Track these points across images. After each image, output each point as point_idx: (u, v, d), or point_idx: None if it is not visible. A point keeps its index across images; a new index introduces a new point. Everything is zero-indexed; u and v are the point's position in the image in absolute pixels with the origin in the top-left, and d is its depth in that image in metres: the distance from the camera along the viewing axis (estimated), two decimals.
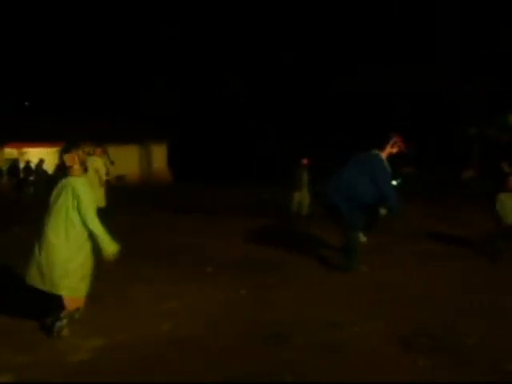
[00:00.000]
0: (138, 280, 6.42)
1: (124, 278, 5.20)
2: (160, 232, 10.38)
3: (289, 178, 12.81)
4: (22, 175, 22.94)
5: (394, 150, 6.73)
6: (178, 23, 34.61)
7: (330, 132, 31.11)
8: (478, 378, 3.84)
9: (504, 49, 28.95)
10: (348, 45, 32.60)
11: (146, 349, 4.41)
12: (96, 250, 4.67)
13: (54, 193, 4.63)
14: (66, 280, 4.50)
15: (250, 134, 32.91)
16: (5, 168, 24.92)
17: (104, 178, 10.01)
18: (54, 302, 4.71)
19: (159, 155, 32.19)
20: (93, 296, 4.91)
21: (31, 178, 21.81)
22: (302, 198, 12.52)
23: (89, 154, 11.35)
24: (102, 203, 9.39)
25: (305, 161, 12.73)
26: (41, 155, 23.26)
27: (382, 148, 6.72)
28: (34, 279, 4.61)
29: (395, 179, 6.73)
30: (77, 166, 4.63)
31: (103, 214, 4.97)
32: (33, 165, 22.28)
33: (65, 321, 4.60)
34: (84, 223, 4.48)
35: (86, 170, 4.72)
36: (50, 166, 21.11)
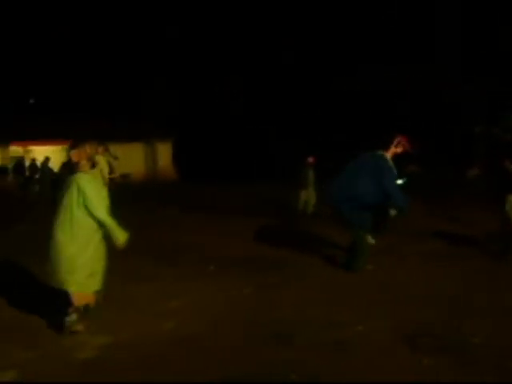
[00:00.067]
0: (142, 278, 6.41)
1: (128, 276, 5.21)
2: (164, 230, 10.38)
3: (292, 177, 12.78)
4: (27, 173, 22.95)
5: (399, 150, 6.72)
6: (177, 23, 34.59)
7: (330, 132, 31.09)
8: (484, 378, 3.83)
9: (504, 49, 28.97)
10: (348, 45, 32.60)
11: (150, 347, 4.40)
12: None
13: (63, 190, 4.64)
14: (74, 276, 4.52)
15: (250, 133, 32.89)
16: (10, 166, 25.03)
17: (107, 176, 10.00)
18: (61, 299, 4.72)
19: (164, 153, 32.19)
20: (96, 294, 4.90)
21: (36, 176, 21.77)
22: (308, 196, 12.45)
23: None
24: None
25: (310, 159, 12.67)
26: (46, 153, 23.08)
27: (387, 148, 6.71)
28: (49, 276, 4.67)
29: (400, 178, 6.70)
30: (84, 162, 4.63)
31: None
32: (38, 163, 22.24)
33: (73, 316, 4.60)
34: (92, 217, 4.48)
35: (93, 165, 4.69)
36: (55, 164, 21.22)
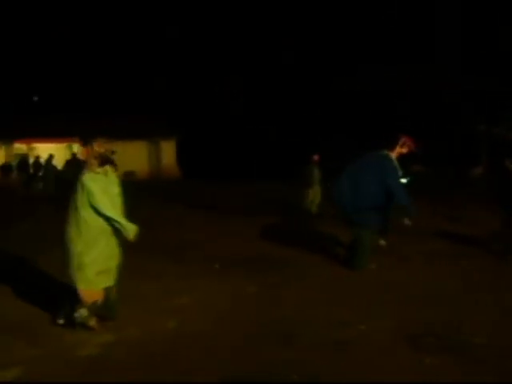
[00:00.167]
0: (146, 276, 6.40)
1: (132, 274, 5.21)
2: (168, 228, 10.35)
3: (295, 176, 12.63)
4: (31, 171, 23.02)
5: (404, 151, 6.73)
6: (178, 23, 34.65)
7: (330, 132, 31.12)
8: (485, 378, 3.82)
9: (504, 49, 29.00)
10: (348, 45, 32.66)
11: (153, 346, 4.40)
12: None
13: (75, 188, 4.67)
14: (82, 273, 4.55)
15: (251, 133, 32.93)
16: (14, 163, 25.07)
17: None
18: (67, 295, 4.75)
19: (168, 151, 32.13)
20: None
21: (40, 174, 21.82)
22: (313, 195, 12.30)
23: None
24: None
25: (315, 157, 12.48)
26: (50, 151, 23.22)
27: (392, 148, 6.72)
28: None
29: (405, 177, 6.70)
30: (92, 161, 4.63)
31: None
32: (42, 160, 22.25)
33: (83, 311, 4.60)
34: (99, 216, 4.51)
35: (103, 163, 4.67)
36: (59, 162, 21.28)
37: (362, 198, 6.67)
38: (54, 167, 20.61)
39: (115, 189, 4.71)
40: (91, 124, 25.70)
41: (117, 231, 4.63)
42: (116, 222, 4.53)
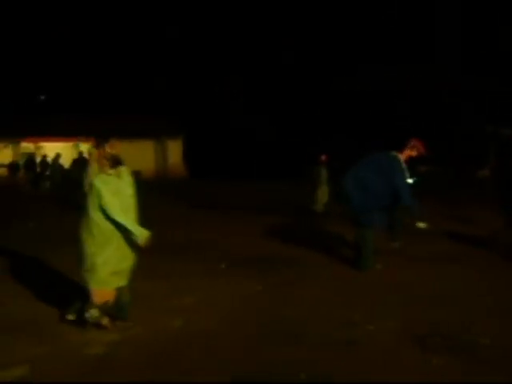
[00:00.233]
0: (153, 275, 6.37)
1: (138, 273, 5.19)
2: (174, 227, 10.30)
3: (302, 175, 12.55)
4: (38, 169, 23.07)
5: (413, 153, 6.74)
6: (178, 23, 34.67)
7: (330, 132, 31.15)
8: (493, 378, 3.81)
9: (504, 49, 29.03)
10: (348, 45, 32.68)
11: (159, 345, 4.38)
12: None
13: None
14: (94, 274, 4.53)
15: (251, 133, 32.95)
16: (21, 162, 25.08)
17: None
18: (78, 294, 4.75)
19: (175, 151, 32.07)
20: None
21: (47, 173, 21.89)
22: (321, 195, 12.21)
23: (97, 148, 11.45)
24: None
25: (323, 157, 12.39)
26: (57, 150, 23.30)
27: (401, 150, 6.73)
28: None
29: (412, 177, 6.69)
30: (104, 162, 4.61)
31: None
32: (49, 159, 22.32)
33: (94, 312, 4.59)
34: (108, 218, 4.49)
35: (116, 164, 4.65)
36: (66, 161, 21.29)
37: (368, 198, 6.66)
38: (61, 166, 20.67)
39: (129, 190, 4.67)
40: (98, 123, 25.74)
41: (129, 232, 4.61)
42: (125, 227, 4.50)
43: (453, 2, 30.74)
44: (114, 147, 4.67)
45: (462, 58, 30.52)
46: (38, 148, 28.87)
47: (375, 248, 6.91)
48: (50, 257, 7.30)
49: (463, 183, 19.25)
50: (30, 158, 24.55)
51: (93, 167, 4.66)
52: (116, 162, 4.62)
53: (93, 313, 4.60)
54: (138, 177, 5.08)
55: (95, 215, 4.50)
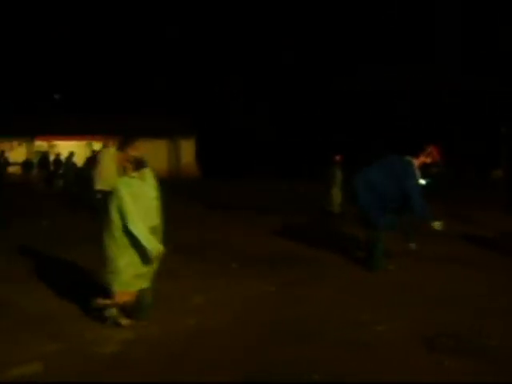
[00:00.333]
0: (166, 274, 6.33)
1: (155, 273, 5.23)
2: (187, 227, 10.28)
3: (316, 175, 12.42)
4: (51, 168, 23.09)
5: (428, 160, 6.75)
6: (178, 23, 34.68)
7: (330, 132, 31.20)
8: (503, 379, 3.81)
9: (504, 49, 29.11)
10: (348, 45, 32.73)
11: (173, 344, 4.37)
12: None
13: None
14: (118, 276, 4.52)
15: (251, 133, 32.98)
16: (35, 160, 25.06)
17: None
18: (91, 292, 4.75)
19: (188, 150, 31.91)
20: None
21: (61, 171, 21.89)
22: (336, 195, 12.04)
23: (105, 146, 11.49)
24: None
25: (337, 157, 12.23)
26: (70, 148, 23.30)
27: (416, 155, 6.74)
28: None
29: (424, 179, 6.69)
30: (127, 165, 4.59)
31: None
32: (63, 158, 22.31)
33: (113, 311, 4.59)
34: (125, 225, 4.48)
35: (139, 166, 4.63)
36: (79, 159, 21.25)
37: (374, 199, 6.68)
38: (74, 165, 20.68)
39: (152, 193, 4.65)
40: (111, 123, 25.83)
41: (155, 233, 4.59)
42: (139, 237, 4.46)
43: (453, 2, 30.82)
44: (137, 149, 4.65)
45: (462, 58, 30.61)
46: (52, 146, 28.87)
47: (388, 249, 6.92)
48: (63, 254, 7.33)
49: (477, 184, 19.23)
50: (44, 156, 24.54)
51: (113, 169, 4.66)
52: (139, 165, 4.60)
53: (112, 312, 4.59)
54: None
55: (115, 218, 4.47)
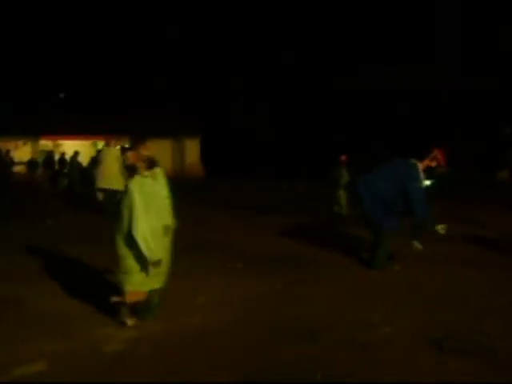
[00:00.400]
0: (172, 274, 6.39)
1: None
2: (191, 226, 10.30)
3: (324, 177, 12.34)
4: (56, 167, 23.17)
5: (433, 164, 6.79)
6: (178, 23, 34.65)
7: (330, 132, 31.18)
8: (504, 379, 3.83)
9: (504, 49, 29.08)
10: (348, 45, 32.68)
11: (176, 343, 4.40)
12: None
13: None
14: (130, 276, 4.54)
15: (251, 133, 32.98)
16: (40, 160, 25.11)
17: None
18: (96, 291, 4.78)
19: (192, 150, 31.88)
20: None
21: (65, 171, 21.94)
22: (342, 196, 11.97)
23: (107, 146, 11.51)
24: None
25: (343, 157, 12.13)
26: (75, 147, 23.35)
27: (421, 159, 6.77)
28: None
29: (429, 179, 6.71)
30: (140, 164, 4.61)
31: None
32: (67, 157, 22.34)
33: (123, 309, 4.62)
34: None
35: (151, 166, 4.65)
36: (84, 159, 21.38)
37: (376, 201, 6.72)
38: (79, 164, 20.74)
39: (164, 192, 4.70)
40: (116, 122, 25.72)
41: (167, 233, 4.63)
42: (136, 242, 4.46)
43: (453, 2, 30.79)
44: (149, 149, 4.68)
45: (462, 58, 30.55)
46: (57, 146, 28.98)
47: (393, 250, 6.95)
48: (68, 253, 7.40)
49: (482, 185, 19.18)
50: (49, 155, 24.58)
51: (116, 168, 4.68)
52: (151, 164, 4.63)
53: (122, 311, 4.62)
54: None
55: (126, 217, 4.50)
